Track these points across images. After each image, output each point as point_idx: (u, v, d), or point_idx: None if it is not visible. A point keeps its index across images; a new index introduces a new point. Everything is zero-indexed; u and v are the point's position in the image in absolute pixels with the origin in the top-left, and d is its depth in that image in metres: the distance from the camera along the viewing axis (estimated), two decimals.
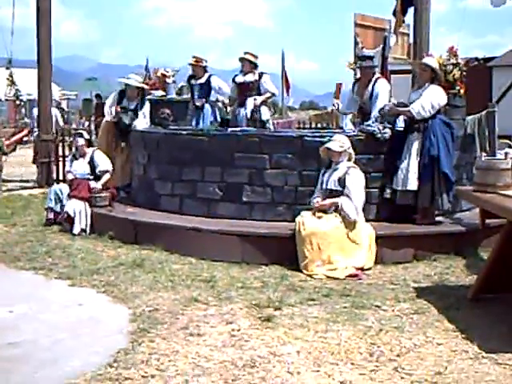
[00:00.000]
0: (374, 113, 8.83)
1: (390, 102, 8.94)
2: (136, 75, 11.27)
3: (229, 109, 11.74)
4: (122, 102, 10.96)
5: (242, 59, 11.14)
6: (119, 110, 10.77)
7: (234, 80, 11.27)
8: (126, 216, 9.21)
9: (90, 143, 10.32)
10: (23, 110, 26.16)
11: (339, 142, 7.78)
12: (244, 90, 11.07)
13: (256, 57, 11.16)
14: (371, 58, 9.54)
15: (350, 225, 7.51)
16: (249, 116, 10.78)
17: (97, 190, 9.79)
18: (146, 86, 11.22)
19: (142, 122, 10.71)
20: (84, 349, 5.15)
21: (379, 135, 8.45)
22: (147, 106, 10.99)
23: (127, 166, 10.82)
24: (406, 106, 8.49)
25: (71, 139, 15.04)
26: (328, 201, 7.65)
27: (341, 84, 9.71)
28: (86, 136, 10.31)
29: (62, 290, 6.81)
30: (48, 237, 9.23)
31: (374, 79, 9.18)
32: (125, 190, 10.71)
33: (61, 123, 19.46)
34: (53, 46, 14.65)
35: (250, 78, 11.04)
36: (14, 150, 15.00)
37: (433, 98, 8.27)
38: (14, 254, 8.20)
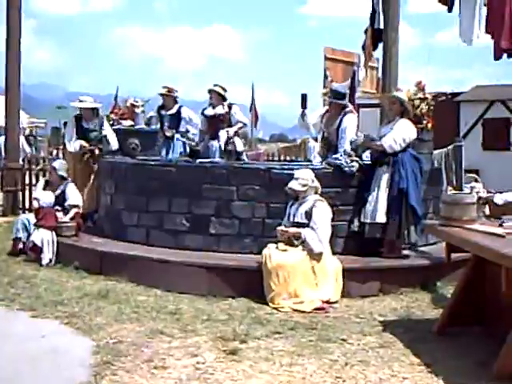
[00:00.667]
0: (344, 146, 8.87)
1: (357, 135, 8.99)
2: (87, 97, 11.27)
3: (196, 138, 11.74)
4: (81, 126, 10.95)
5: (210, 91, 11.16)
6: (86, 147, 10.73)
7: (203, 113, 11.27)
8: (91, 246, 9.11)
9: (62, 178, 10.19)
10: None
11: (301, 180, 7.77)
12: (215, 123, 11.08)
13: (225, 90, 11.19)
14: (344, 95, 9.54)
15: (316, 258, 7.49)
16: (223, 148, 10.79)
17: (63, 221, 9.67)
18: (98, 105, 11.21)
19: (113, 137, 10.82)
20: (44, 382, 5.06)
21: (346, 168, 8.50)
22: (106, 124, 11.11)
23: (93, 192, 10.78)
24: (373, 139, 8.56)
25: (38, 167, 14.93)
26: (292, 229, 7.64)
27: (306, 95, 9.73)
28: (61, 173, 10.14)
29: (24, 321, 6.67)
30: (12, 267, 9.07)
31: (342, 113, 9.25)
32: (91, 218, 10.63)
33: (27, 150, 19.30)
34: (22, 73, 14.57)
35: (220, 110, 11.08)
36: None
37: (404, 131, 8.34)
38: None
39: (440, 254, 7.99)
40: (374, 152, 8.59)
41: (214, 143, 11.05)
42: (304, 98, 9.78)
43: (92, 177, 10.85)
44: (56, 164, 10.31)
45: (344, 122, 9.13)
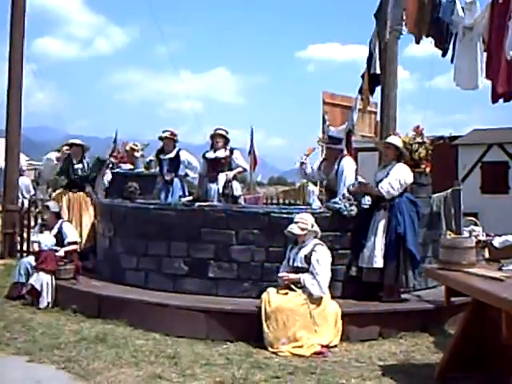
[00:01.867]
0: (341, 190, 8.91)
1: (356, 179, 9.04)
2: (77, 140, 11.60)
3: (195, 182, 11.80)
4: (72, 165, 11.17)
5: (214, 135, 11.25)
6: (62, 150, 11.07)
7: (204, 156, 11.35)
8: (90, 289, 9.07)
9: (58, 215, 10.22)
10: None
11: (301, 224, 7.77)
12: (215, 166, 11.15)
13: (227, 132, 11.31)
14: (340, 140, 9.66)
15: (315, 302, 7.46)
16: (221, 191, 10.83)
17: (60, 257, 9.64)
18: (85, 144, 11.54)
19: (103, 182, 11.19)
20: None
21: (345, 212, 8.51)
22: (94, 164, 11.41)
23: (89, 230, 10.88)
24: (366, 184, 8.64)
25: (37, 210, 14.93)
26: (292, 275, 7.61)
27: (314, 148, 9.85)
28: (54, 209, 10.20)
29: (20, 366, 6.62)
30: (8, 310, 9.03)
31: (339, 157, 9.31)
32: (88, 256, 10.64)
33: (32, 191, 19.41)
34: (22, 116, 14.70)
35: (221, 154, 11.15)
36: None
37: (400, 176, 8.37)
38: None
39: (440, 298, 7.97)
40: (373, 197, 8.62)
41: (213, 186, 11.08)
42: (311, 150, 10.01)
43: (84, 212, 10.89)
44: (49, 203, 10.36)
45: (342, 166, 9.19)
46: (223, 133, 11.27)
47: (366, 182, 8.85)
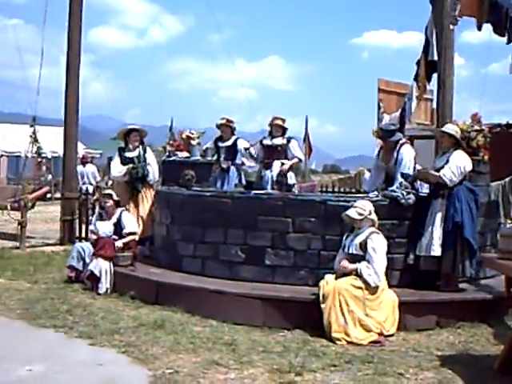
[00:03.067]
0: (399, 178, 8.83)
1: (415, 167, 8.96)
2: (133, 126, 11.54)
3: (249, 170, 11.86)
4: (125, 156, 11.13)
5: (272, 124, 11.29)
6: (130, 169, 10.93)
7: (261, 142, 11.39)
8: (147, 276, 9.19)
9: (117, 204, 10.36)
10: (44, 168, 26.54)
11: (359, 209, 7.73)
12: (271, 153, 11.19)
13: (284, 121, 11.34)
14: (393, 132, 9.54)
15: (370, 290, 7.43)
16: (275, 179, 10.84)
17: (118, 248, 9.79)
18: (139, 128, 11.43)
19: (155, 168, 11.09)
20: None
21: (403, 200, 8.43)
22: (150, 152, 11.29)
23: (146, 219, 10.93)
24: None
25: (95, 197, 15.18)
26: (351, 266, 7.58)
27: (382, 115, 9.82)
28: (115, 197, 10.34)
29: (82, 349, 6.76)
30: (69, 295, 9.23)
31: (398, 145, 9.21)
32: (146, 244, 10.77)
33: (98, 178, 19.87)
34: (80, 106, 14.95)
35: (278, 141, 11.19)
36: (33, 207, 15.05)
37: (460, 163, 8.26)
38: (36, 312, 8.20)
39: (498, 288, 7.89)
40: (431, 184, 8.53)
41: (268, 173, 11.11)
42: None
43: (145, 203, 10.99)
44: (110, 191, 10.46)
45: (400, 153, 9.09)
46: (280, 122, 11.30)
47: (423, 169, 8.74)
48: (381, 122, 16.04)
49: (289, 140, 11.25)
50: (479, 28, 10.76)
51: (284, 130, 11.31)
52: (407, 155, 9.07)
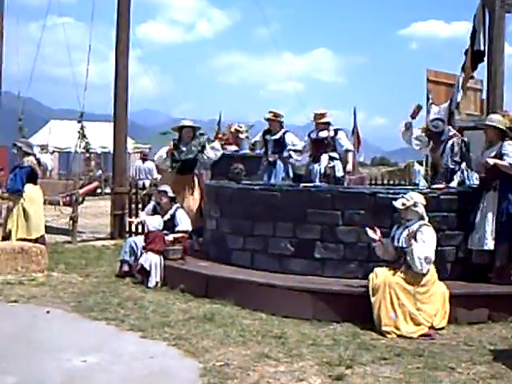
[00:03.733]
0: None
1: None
2: (188, 121, 11.58)
3: (297, 164, 11.83)
4: (178, 148, 11.18)
5: (315, 122, 11.25)
6: (171, 148, 11.06)
7: (309, 135, 11.39)
8: (197, 270, 9.25)
9: (173, 200, 10.44)
10: (93, 163, 26.92)
11: (404, 200, 7.69)
12: (318, 146, 11.16)
13: (324, 115, 11.24)
14: (441, 132, 9.42)
15: (419, 281, 7.36)
16: (323, 172, 10.81)
17: (169, 242, 9.87)
18: (194, 124, 11.46)
19: (211, 152, 11.10)
20: None
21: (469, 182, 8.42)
22: (208, 146, 11.28)
23: (196, 210, 11.01)
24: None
25: (144, 192, 15.32)
26: (377, 234, 7.61)
27: (420, 107, 9.58)
28: (171, 194, 10.41)
29: (134, 341, 6.84)
30: (120, 288, 9.34)
31: (446, 138, 9.16)
32: (194, 237, 10.85)
33: (155, 175, 20.20)
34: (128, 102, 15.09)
35: (324, 134, 11.15)
36: (82, 202, 15.27)
37: None
38: (88, 304, 8.31)
39: None
40: (483, 176, 8.40)
41: (316, 166, 11.09)
42: (418, 109, 9.75)
43: (191, 195, 11.06)
44: (166, 188, 10.52)
45: (448, 144, 9.05)
46: (324, 120, 11.21)
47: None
48: (429, 114, 15.87)
49: (336, 132, 11.20)
50: None
51: (327, 123, 11.24)
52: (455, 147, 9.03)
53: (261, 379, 5.67)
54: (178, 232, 10.12)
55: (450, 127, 9.76)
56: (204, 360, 6.16)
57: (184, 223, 10.23)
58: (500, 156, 8.16)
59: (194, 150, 11.04)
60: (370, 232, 7.76)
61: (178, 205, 10.44)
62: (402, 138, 10.28)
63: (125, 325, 7.41)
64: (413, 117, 9.81)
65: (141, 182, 19.56)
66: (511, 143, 8.24)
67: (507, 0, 10.88)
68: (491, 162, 8.18)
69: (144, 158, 23.01)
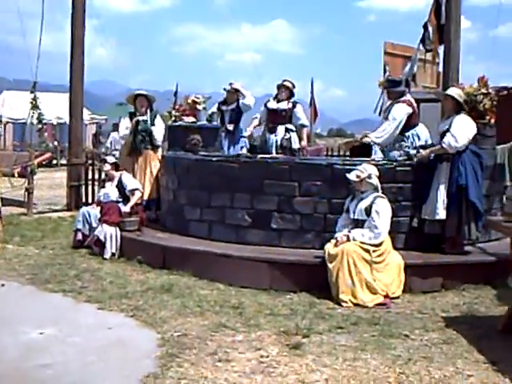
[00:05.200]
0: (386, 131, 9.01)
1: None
2: (143, 91, 11.62)
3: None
4: (136, 120, 11.17)
5: (280, 86, 11.25)
6: (137, 121, 11.04)
7: (265, 105, 11.37)
8: (154, 241, 9.26)
9: (117, 166, 10.41)
10: (46, 134, 26.58)
11: (358, 172, 7.77)
12: (276, 117, 11.15)
13: (294, 86, 11.29)
14: (399, 82, 9.61)
15: (378, 251, 7.47)
16: (279, 143, 10.83)
17: (125, 213, 9.85)
18: (146, 93, 11.51)
19: (160, 131, 11.22)
20: (113, 372, 5.19)
21: (415, 158, 8.50)
22: (159, 118, 11.39)
23: (153, 182, 11.01)
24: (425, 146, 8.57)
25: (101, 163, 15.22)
26: (344, 238, 7.58)
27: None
28: (112, 160, 10.41)
29: (91, 313, 6.84)
30: (77, 260, 9.31)
31: (395, 101, 9.30)
32: (152, 208, 10.85)
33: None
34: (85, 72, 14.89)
35: (283, 105, 11.15)
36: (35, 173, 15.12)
37: (463, 128, 8.24)
38: (44, 277, 8.27)
39: (503, 251, 7.93)
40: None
41: (272, 137, 11.11)
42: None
43: (152, 164, 11.03)
44: (106, 157, 10.52)
45: (392, 111, 9.18)
46: (289, 85, 11.26)
47: (428, 145, 8.72)
48: None
49: (294, 105, 11.21)
50: None
51: (291, 93, 11.27)
52: (396, 112, 9.14)
53: (218, 349, 5.71)
54: (130, 192, 10.11)
55: (406, 89, 9.90)
56: (162, 330, 6.20)
57: (131, 183, 10.24)
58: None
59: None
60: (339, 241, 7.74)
61: (122, 171, 10.45)
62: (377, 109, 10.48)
63: (82, 296, 7.40)
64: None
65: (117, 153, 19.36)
66: (460, 118, 8.33)
67: None
68: (424, 153, 8.43)
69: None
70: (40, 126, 19.33)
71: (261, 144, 11.44)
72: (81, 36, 14.63)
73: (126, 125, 11.31)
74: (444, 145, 8.20)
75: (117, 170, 10.43)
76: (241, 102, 11.40)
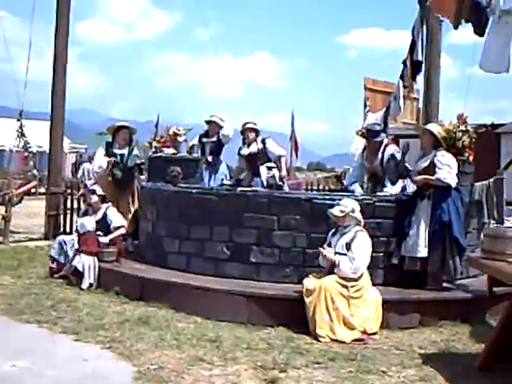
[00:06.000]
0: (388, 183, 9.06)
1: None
2: (125, 122, 11.54)
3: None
4: (111, 151, 11.13)
5: (244, 130, 11.31)
6: (112, 161, 10.94)
7: (239, 153, 11.43)
8: (132, 272, 9.19)
9: (103, 199, 10.36)
10: (31, 162, 26.46)
11: (342, 207, 7.77)
12: (253, 160, 11.19)
13: (256, 125, 11.35)
14: (377, 132, 9.71)
15: (356, 287, 7.47)
16: (265, 184, 10.83)
17: (104, 244, 9.79)
18: (130, 125, 11.45)
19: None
20: None
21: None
22: (136, 150, 11.31)
23: (130, 213, 10.93)
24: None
25: (80, 192, 15.15)
26: (332, 254, 7.61)
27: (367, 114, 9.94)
28: (100, 192, 10.35)
29: (67, 344, 6.76)
30: (54, 290, 9.21)
31: (383, 146, 9.38)
32: (129, 240, 10.78)
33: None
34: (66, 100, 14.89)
35: (254, 148, 11.21)
36: (20, 201, 15.09)
37: (451, 163, 8.33)
38: (19, 307, 8.17)
39: (481, 287, 7.97)
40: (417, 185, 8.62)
41: (257, 179, 11.15)
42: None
43: (128, 199, 10.97)
44: (94, 187, 10.47)
45: (385, 154, 9.26)
46: (253, 126, 11.32)
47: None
48: (365, 120, 16.13)
49: (264, 142, 11.25)
50: (456, 27, 10.82)
51: (257, 133, 11.32)
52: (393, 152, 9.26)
53: (195, 383, 5.68)
54: (115, 229, 10.06)
55: (384, 135, 9.98)
56: (138, 363, 6.14)
57: (117, 219, 10.18)
58: (433, 165, 8.35)
59: (136, 157, 11.06)
60: (324, 252, 7.74)
61: (108, 204, 10.38)
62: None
63: (58, 327, 7.32)
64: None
65: (89, 183, 19.29)
66: (444, 154, 8.43)
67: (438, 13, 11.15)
68: (419, 179, 8.42)
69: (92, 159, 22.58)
70: (26, 154, 19.23)
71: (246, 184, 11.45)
72: (63, 64, 14.65)
73: (101, 158, 11.16)
74: (445, 180, 8.24)
75: (103, 202, 10.36)
76: (220, 133, 11.45)
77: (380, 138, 9.55)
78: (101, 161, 11.06)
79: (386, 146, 9.40)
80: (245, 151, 11.36)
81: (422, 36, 11.96)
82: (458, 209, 8.32)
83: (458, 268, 8.28)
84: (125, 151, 11.07)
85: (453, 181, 8.27)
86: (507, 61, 9.13)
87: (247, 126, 11.35)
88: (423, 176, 8.43)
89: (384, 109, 13.47)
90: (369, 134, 9.75)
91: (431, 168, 8.37)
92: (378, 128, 9.80)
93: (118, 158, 11.01)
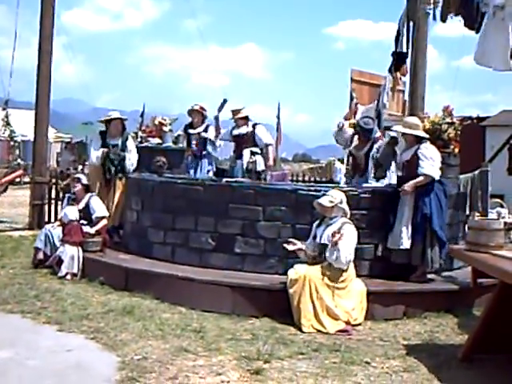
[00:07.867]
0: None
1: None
2: (116, 112, 11.40)
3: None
4: (105, 141, 11.03)
5: (235, 119, 11.28)
6: (105, 151, 10.86)
7: (231, 133, 11.41)
8: (117, 262, 9.17)
9: (87, 188, 10.31)
10: (17, 151, 26.34)
11: (331, 198, 7.77)
12: (240, 143, 11.17)
13: (240, 111, 11.30)
14: (371, 131, 9.71)
15: (342, 278, 7.48)
16: (245, 167, 10.84)
17: (89, 234, 9.76)
18: (123, 117, 11.32)
19: (134, 157, 10.93)
20: None
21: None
22: (131, 141, 11.21)
23: (119, 207, 10.87)
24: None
25: (65, 182, 15.07)
26: (299, 245, 7.72)
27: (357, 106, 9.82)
28: (84, 181, 10.30)
29: (51, 334, 6.73)
30: (38, 280, 9.16)
31: (372, 141, 9.42)
32: (117, 232, 10.72)
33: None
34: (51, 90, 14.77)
35: (243, 130, 11.16)
36: (5, 190, 14.99)
37: (434, 156, 8.33)
38: (3, 297, 8.12)
39: (466, 279, 8.03)
40: (401, 176, 8.64)
41: (239, 162, 11.13)
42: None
43: (116, 192, 10.92)
44: (80, 176, 10.40)
45: (373, 148, 9.31)
46: (240, 115, 11.27)
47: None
48: (354, 112, 16.15)
49: (254, 126, 11.21)
50: (444, 20, 10.82)
51: (247, 119, 11.28)
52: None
53: (179, 373, 5.67)
54: (97, 219, 10.02)
55: (377, 129, 10.00)
56: (122, 353, 6.13)
57: (99, 210, 10.14)
58: (416, 157, 8.35)
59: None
60: (288, 247, 7.84)
61: (93, 194, 10.34)
62: (335, 138, 10.50)
63: (42, 318, 7.28)
64: (347, 118, 10.05)
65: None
66: (427, 146, 8.43)
67: (424, 5, 11.16)
68: (408, 188, 8.35)
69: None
70: (12, 143, 19.12)
71: (230, 169, 11.44)
72: (48, 51, 14.51)
73: (96, 151, 11.02)
74: (430, 174, 8.22)
75: (86, 191, 10.30)
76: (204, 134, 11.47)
77: (373, 136, 9.60)
78: (97, 152, 10.97)
79: (377, 139, 9.47)
80: (235, 132, 11.34)
81: (408, 27, 11.98)
82: (441, 201, 8.32)
83: (436, 260, 8.30)
84: (118, 142, 10.98)
85: (436, 173, 8.27)
86: (506, 57, 9.17)
87: (237, 116, 11.27)
88: (410, 183, 8.34)
89: (375, 101, 13.49)
90: (362, 131, 9.73)
91: (414, 160, 8.37)
92: (371, 127, 9.77)
93: (112, 148, 10.91)
